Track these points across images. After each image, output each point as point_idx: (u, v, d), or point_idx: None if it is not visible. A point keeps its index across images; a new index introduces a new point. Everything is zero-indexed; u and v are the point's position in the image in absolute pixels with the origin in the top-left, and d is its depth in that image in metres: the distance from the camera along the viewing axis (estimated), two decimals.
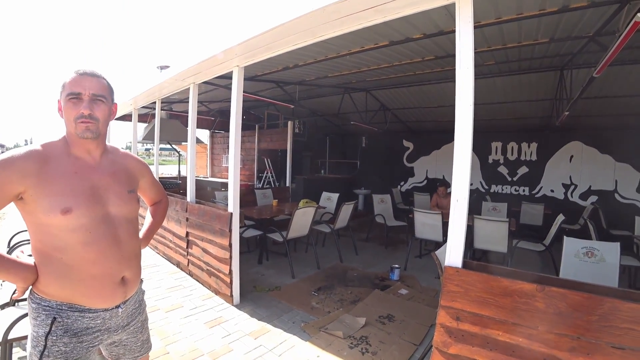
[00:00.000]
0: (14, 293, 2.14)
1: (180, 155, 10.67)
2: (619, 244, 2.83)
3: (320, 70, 4.90)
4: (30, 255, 1.10)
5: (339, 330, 2.81)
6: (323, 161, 10.69)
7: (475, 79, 1.77)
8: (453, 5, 1.83)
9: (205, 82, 4.32)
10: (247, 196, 6.25)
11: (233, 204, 3.39)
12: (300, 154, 9.27)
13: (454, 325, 1.75)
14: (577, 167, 7.15)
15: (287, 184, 8.48)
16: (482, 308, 1.67)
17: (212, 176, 11.70)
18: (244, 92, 4.37)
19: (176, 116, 9.10)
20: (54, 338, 1.06)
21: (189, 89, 4.29)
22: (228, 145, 11.38)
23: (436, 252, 2.08)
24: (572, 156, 7.18)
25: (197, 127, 9.89)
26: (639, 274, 4.12)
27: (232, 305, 3.36)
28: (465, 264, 1.77)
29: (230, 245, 3.35)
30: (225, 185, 7.74)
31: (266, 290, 3.74)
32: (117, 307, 1.19)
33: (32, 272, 1.06)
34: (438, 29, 3.30)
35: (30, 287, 1.09)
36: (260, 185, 9.34)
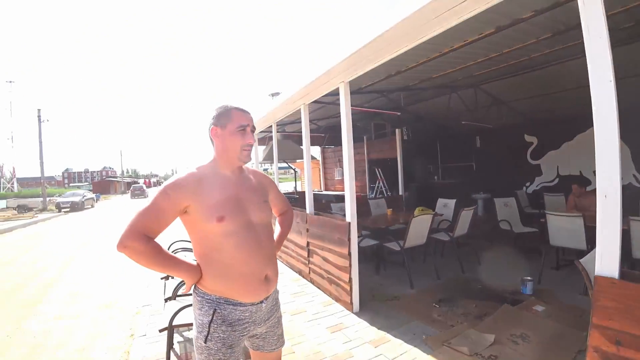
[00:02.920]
0: (176, 289, 2.66)
1: (295, 172, 11.55)
2: None
3: (422, 73, 4.74)
4: (194, 260, 1.37)
5: (464, 346, 2.60)
6: (435, 166, 10.11)
7: (613, 47, 1.45)
8: None
9: (314, 102, 4.59)
10: (360, 207, 6.28)
11: (350, 214, 3.47)
12: (410, 161, 8.91)
13: (613, 350, 1.43)
14: None
15: (400, 193, 8.30)
16: None
17: (325, 190, 12.27)
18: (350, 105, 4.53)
19: (289, 136, 9.84)
20: (215, 326, 1.29)
21: (299, 110, 4.64)
22: (339, 159, 11.88)
23: (581, 260, 1.77)
24: None
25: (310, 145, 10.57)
26: None
27: (352, 312, 3.44)
28: (623, 274, 1.43)
29: (349, 253, 3.44)
30: (338, 198, 8.03)
31: (385, 299, 3.71)
32: (261, 302, 1.39)
33: (198, 271, 1.32)
34: (552, 1, 2.84)
35: (195, 283, 1.35)
36: (373, 196, 9.36)
